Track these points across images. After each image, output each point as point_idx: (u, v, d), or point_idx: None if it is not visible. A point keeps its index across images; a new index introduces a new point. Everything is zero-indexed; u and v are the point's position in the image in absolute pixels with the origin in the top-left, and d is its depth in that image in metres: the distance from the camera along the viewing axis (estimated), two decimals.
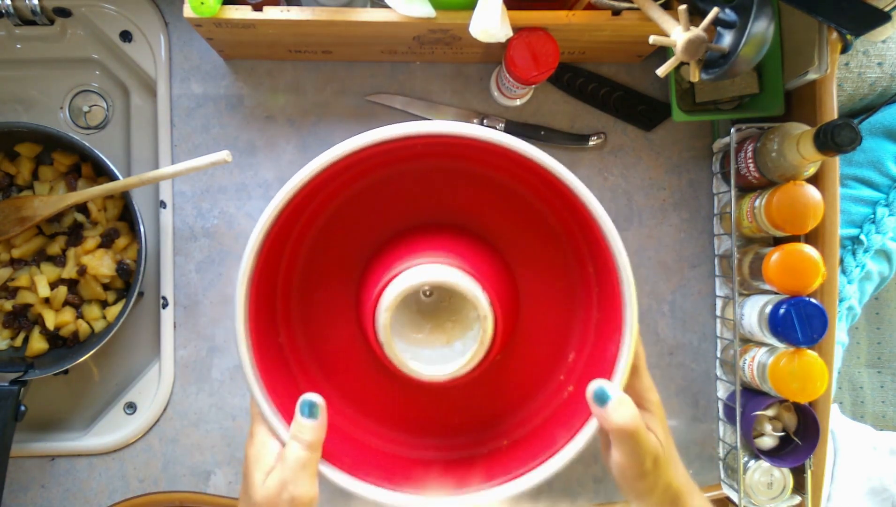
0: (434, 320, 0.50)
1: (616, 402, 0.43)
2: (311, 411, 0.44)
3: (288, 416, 0.46)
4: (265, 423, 0.46)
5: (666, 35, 0.50)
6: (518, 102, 0.67)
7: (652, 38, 0.50)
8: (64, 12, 0.65)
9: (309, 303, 0.54)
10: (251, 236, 0.46)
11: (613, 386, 0.45)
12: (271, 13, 0.55)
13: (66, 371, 0.66)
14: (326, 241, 0.53)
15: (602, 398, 0.44)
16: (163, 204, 0.66)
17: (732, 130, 0.63)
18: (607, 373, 0.46)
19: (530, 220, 0.53)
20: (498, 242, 0.54)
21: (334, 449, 0.47)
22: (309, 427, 0.44)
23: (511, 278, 0.54)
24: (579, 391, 0.48)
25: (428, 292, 0.50)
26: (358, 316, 0.53)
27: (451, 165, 0.52)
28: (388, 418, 0.54)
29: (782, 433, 0.63)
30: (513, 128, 0.67)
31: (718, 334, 0.68)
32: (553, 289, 0.54)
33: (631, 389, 0.47)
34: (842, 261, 0.79)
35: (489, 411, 0.54)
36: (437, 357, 0.47)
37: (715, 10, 0.48)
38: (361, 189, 0.53)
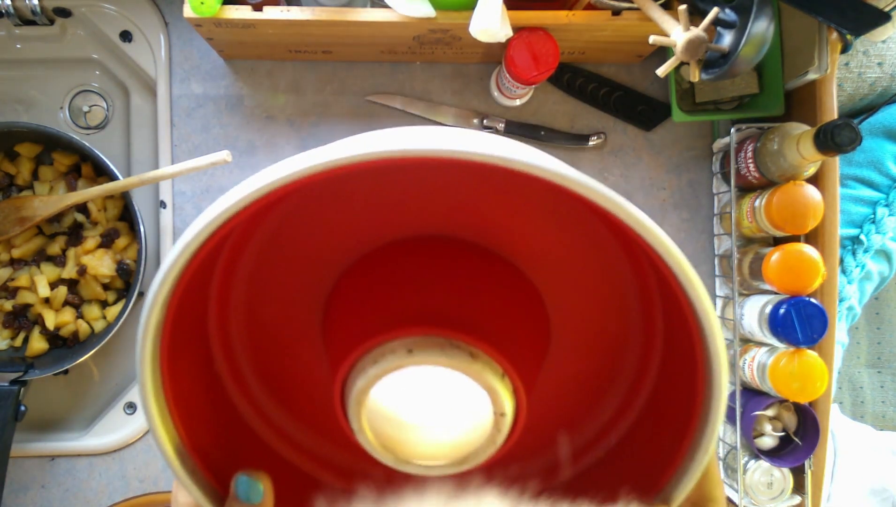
0: (432, 395, 0.35)
1: None
2: (249, 492, 0.31)
3: (225, 481, 0.32)
4: (189, 494, 0.30)
5: (666, 35, 0.50)
6: (518, 102, 0.67)
7: (652, 38, 0.50)
8: (64, 12, 0.65)
9: (258, 322, 0.39)
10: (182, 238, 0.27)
11: None
12: (271, 13, 0.55)
13: (66, 371, 0.66)
14: (283, 244, 0.37)
15: None
16: (163, 204, 0.66)
17: (732, 130, 0.63)
18: (663, 466, 0.34)
19: (581, 244, 0.38)
20: (522, 262, 0.38)
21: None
22: None
23: (541, 315, 0.39)
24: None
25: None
26: (325, 346, 0.38)
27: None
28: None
29: (782, 433, 0.63)
30: (513, 128, 0.67)
31: None
32: (591, 322, 0.40)
33: (697, 488, 0.35)
34: (842, 261, 0.78)
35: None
36: (429, 449, 0.34)
37: (715, 10, 0.48)
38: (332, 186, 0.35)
